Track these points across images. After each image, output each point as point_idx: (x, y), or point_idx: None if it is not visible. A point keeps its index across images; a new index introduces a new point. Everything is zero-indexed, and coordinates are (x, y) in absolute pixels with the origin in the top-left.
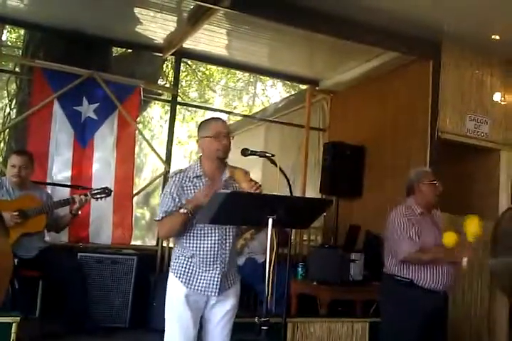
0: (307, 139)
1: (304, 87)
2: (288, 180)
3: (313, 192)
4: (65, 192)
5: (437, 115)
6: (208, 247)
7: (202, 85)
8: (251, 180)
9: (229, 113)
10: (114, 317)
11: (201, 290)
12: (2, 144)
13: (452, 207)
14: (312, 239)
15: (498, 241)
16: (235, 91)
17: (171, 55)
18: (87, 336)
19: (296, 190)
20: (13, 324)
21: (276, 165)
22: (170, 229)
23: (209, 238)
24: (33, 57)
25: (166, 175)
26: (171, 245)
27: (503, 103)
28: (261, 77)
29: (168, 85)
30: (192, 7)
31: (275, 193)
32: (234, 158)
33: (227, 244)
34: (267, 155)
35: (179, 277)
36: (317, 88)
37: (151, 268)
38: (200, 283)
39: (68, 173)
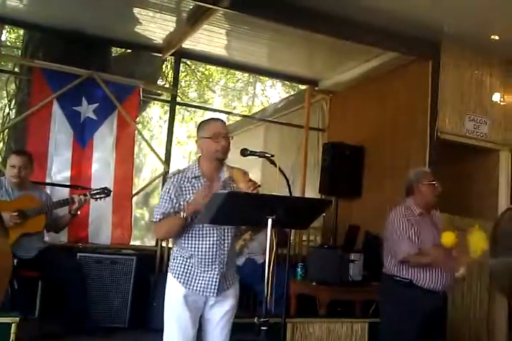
0: (306, 139)
1: (303, 87)
2: (287, 181)
3: (312, 192)
4: (64, 193)
5: (437, 115)
6: (206, 248)
7: (201, 85)
8: (250, 180)
9: (228, 113)
10: (114, 317)
11: (200, 291)
12: (1, 144)
13: (451, 208)
14: (311, 239)
15: (497, 241)
16: (234, 91)
17: (171, 55)
18: (86, 336)
19: (296, 190)
20: (13, 324)
21: (275, 166)
22: (167, 231)
23: (207, 239)
24: (33, 57)
25: (165, 176)
26: (170, 245)
27: (502, 103)
28: (260, 77)
29: (167, 85)
30: (191, 7)
31: (274, 193)
32: (233, 159)
33: (226, 245)
34: (267, 155)
35: (177, 277)
36: (316, 88)
37: (151, 269)
38: (198, 283)
39: (67, 173)
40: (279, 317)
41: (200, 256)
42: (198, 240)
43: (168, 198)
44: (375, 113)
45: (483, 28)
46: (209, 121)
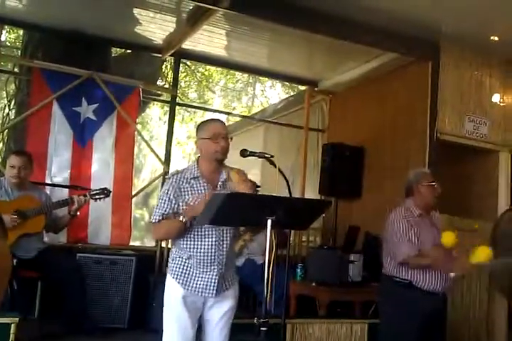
0: (306, 140)
1: (303, 87)
2: (287, 181)
3: (312, 193)
4: (63, 193)
5: (436, 116)
6: (205, 248)
7: (201, 86)
8: (249, 180)
9: (228, 114)
10: (113, 317)
11: (198, 291)
12: (1, 145)
13: (451, 209)
14: (311, 240)
15: (497, 242)
16: (234, 92)
17: (170, 55)
18: (85, 336)
19: (295, 190)
20: (12, 324)
21: (275, 166)
22: (166, 232)
23: (206, 239)
24: (32, 57)
25: (165, 176)
26: (169, 246)
27: (502, 104)
28: (260, 77)
29: (167, 86)
30: (191, 8)
31: (274, 194)
32: (233, 159)
33: (225, 246)
34: (266, 156)
35: (176, 278)
36: (316, 89)
37: (150, 269)
38: (197, 284)
39: (67, 174)
40: (278, 318)
41: (198, 257)
42: (197, 241)
43: (167, 199)
44: (375, 113)
45: (483, 29)
46: (208, 121)
